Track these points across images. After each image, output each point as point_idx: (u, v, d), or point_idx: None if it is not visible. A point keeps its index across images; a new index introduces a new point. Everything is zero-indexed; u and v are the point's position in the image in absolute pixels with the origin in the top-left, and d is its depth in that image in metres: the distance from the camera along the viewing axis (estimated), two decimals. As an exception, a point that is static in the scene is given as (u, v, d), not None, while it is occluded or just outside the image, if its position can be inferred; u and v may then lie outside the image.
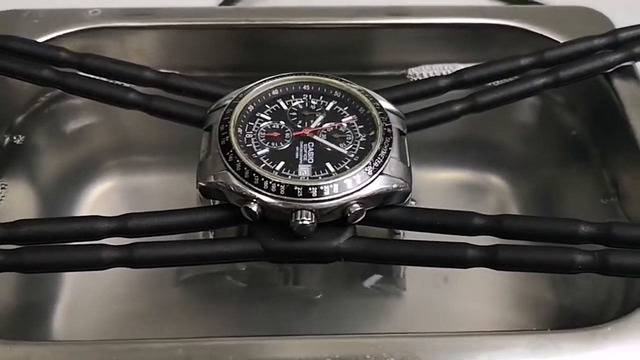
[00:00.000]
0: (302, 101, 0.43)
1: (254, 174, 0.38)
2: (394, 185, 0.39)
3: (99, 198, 0.54)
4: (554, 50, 0.48)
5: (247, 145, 0.41)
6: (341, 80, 0.44)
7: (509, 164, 0.55)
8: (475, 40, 0.53)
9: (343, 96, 0.43)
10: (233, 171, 0.39)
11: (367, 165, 0.39)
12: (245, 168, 0.38)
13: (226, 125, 0.41)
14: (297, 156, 0.40)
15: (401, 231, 0.45)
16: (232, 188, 0.38)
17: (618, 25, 0.50)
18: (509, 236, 0.39)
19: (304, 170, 0.40)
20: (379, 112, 0.42)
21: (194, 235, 0.42)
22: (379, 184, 0.39)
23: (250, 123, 0.42)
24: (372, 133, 0.41)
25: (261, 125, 0.42)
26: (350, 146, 0.41)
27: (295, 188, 0.38)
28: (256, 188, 0.38)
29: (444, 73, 0.52)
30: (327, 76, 0.44)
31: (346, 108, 0.43)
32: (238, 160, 0.39)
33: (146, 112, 0.46)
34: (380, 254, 0.39)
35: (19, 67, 0.47)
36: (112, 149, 0.56)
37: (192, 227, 0.40)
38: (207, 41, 0.53)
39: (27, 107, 0.53)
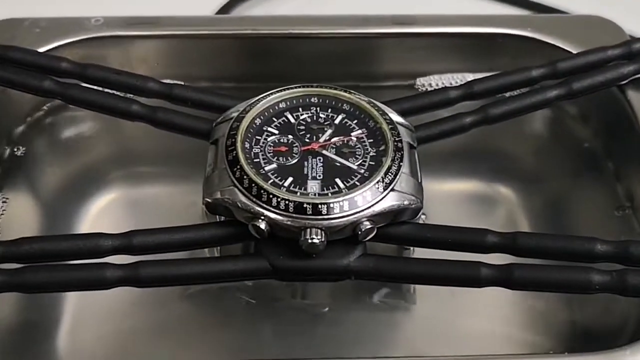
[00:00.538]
0: (310, 114, 0.42)
1: (262, 191, 0.37)
2: (405, 202, 0.38)
3: (102, 210, 0.53)
4: (567, 61, 0.47)
5: (255, 161, 0.40)
6: (350, 93, 0.43)
7: (520, 176, 0.54)
8: (485, 50, 0.52)
9: (352, 109, 0.42)
10: (240, 187, 0.38)
11: (377, 182, 0.38)
12: (253, 184, 0.37)
13: (233, 140, 0.40)
14: (305, 171, 0.39)
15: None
16: (240, 205, 0.37)
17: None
18: (523, 254, 0.38)
19: (313, 186, 0.39)
20: (389, 126, 0.41)
21: (199, 252, 0.41)
22: (390, 201, 0.38)
23: (257, 137, 0.41)
24: (382, 147, 0.40)
25: (269, 139, 0.41)
26: (360, 161, 0.40)
27: (305, 205, 0.37)
28: (264, 205, 0.37)
29: (453, 83, 0.51)
30: (335, 88, 0.43)
31: (355, 121, 0.42)
32: (245, 177, 0.38)
33: (150, 124, 0.45)
34: (391, 272, 0.38)
35: (19, 78, 0.46)
36: (115, 160, 0.55)
37: (198, 244, 0.39)
38: (212, 50, 0.52)
39: (27, 117, 0.52)
